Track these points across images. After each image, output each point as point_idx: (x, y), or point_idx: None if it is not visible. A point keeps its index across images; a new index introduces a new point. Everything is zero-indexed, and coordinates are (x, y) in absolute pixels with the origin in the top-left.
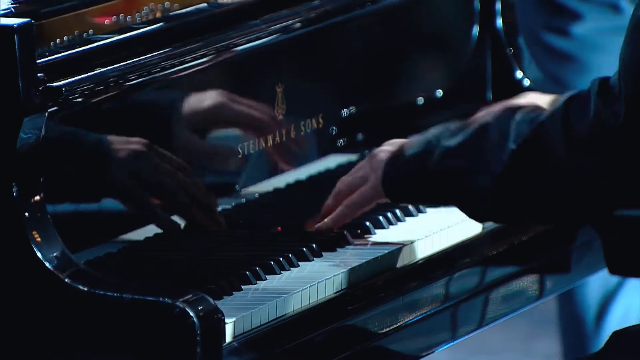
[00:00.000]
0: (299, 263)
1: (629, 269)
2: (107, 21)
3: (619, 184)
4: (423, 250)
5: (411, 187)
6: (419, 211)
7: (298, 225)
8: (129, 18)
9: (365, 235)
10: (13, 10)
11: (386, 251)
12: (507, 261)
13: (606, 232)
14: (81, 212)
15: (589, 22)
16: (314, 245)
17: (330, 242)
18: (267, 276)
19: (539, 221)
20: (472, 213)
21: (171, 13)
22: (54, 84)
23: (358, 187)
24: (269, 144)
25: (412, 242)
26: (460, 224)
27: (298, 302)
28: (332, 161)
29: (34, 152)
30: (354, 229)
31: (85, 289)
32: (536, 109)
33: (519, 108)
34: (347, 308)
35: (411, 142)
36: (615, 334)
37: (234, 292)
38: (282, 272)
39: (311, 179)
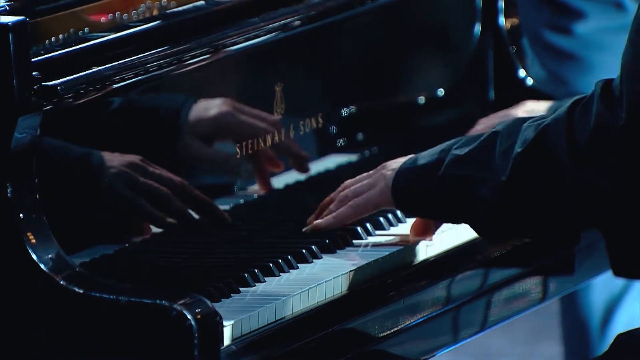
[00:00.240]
0: (298, 265)
1: (633, 271)
2: (103, 19)
3: (620, 188)
4: (424, 252)
5: (420, 197)
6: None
7: (297, 226)
8: (125, 16)
9: (366, 237)
10: (7, 7)
11: (387, 253)
12: (509, 263)
13: (610, 233)
14: (77, 213)
15: (592, 20)
16: (313, 247)
17: (330, 244)
18: (265, 278)
19: (543, 233)
20: (478, 226)
21: (168, 11)
22: (49, 83)
23: (361, 189)
24: (267, 144)
25: (413, 244)
26: (461, 226)
27: (297, 305)
28: (331, 161)
29: (28, 152)
30: (354, 230)
31: (81, 291)
32: (544, 115)
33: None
34: (347, 311)
35: (424, 153)
36: (620, 336)
37: (232, 295)
38: (281, 274)
39: (310, 179)
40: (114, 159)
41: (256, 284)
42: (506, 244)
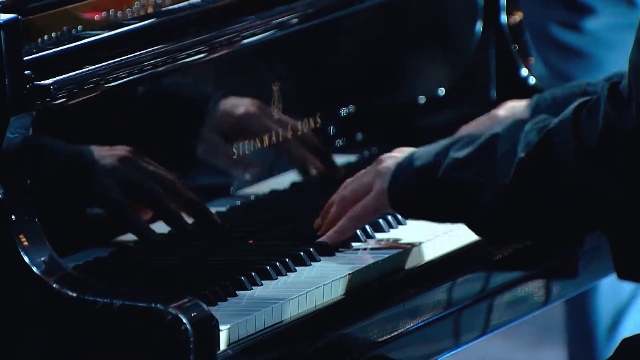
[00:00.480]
0: (296, 268)
1: (638, 275)
2: (96, 17)
3: (628, 190)
4: (425, 254)
5: (417, 199)
6: None
7: (295, 228)
8: (119, 13)
9: (365, 240)
10: None
11: (386, 255)
12: (511, 266)
13: (615, 236)
14: (70, 214)
15: (602, 17)
16: (311, 249)
17: (329, 246)
18: (263, 281)
19: (546, 236)
20: (479, 229)
21: (163, 8)
22: (42, 82)
23: (362, 195)
24: (264, 144)
25: (413, 246)
26: (463, 228)
27: (295, 309)
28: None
29: (20, 152)
30: (353, 232)
31: (74, 294)
32: (546, 117)
33: (530, 118)
34: (346, 315)
35: (419, 153)
36: (625, 341)
37: (228, 298)
38: (278, 277)
39: (309, 180)
40: (108, 160)
41: (253, 287)
42: (508, 246)
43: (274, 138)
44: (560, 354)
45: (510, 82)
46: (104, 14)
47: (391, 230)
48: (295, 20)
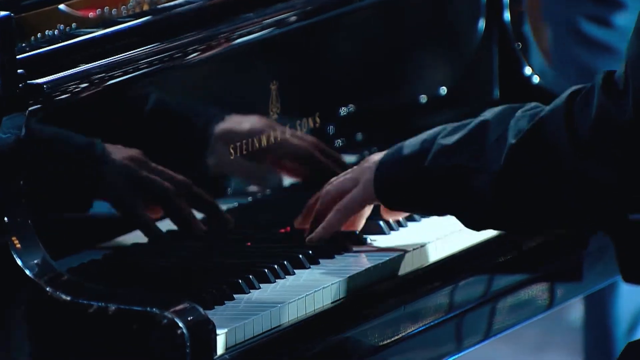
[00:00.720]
0: (295, 271)
1: None
2: (91, 14)
3: (623, 182)
4: (426, 257)
5: (404, 189)
6: (422, 216)
7: (293, 230)
8: (114, 11)
9: (365, 242)
10: None
11: (387, 258)
12: (515, 268)
13: (620, 237)
14: (64, 216)
15: (632, 11)
16: (310, 252)
17: (328, 248)
18: (260, 285)
19: (537, 227)
20: (467, 219)
21: (159, 6)
22: (35, 81)
23: (348, 189)
24: (262, 145)
25: (414, 249)
26: (464, 230)
27: (294, 312)
28: None
29: (13, 153)
30: (353, 235)
31: (69, 298)
32: (537, 105)
33: (520, 105)
34: (346, 318)
35: (406, 143)
36: (631, 345)
37: (225, 302)
38: (276, 280)
39: (307, 181)
40: (103, 161)
41: (251, 290)
42: (511, 248)
43: (272, 138)
44: (564, 357)
45: (514, 81)
46: (98, 11)
47: (392, 232)
48: (293, 18)
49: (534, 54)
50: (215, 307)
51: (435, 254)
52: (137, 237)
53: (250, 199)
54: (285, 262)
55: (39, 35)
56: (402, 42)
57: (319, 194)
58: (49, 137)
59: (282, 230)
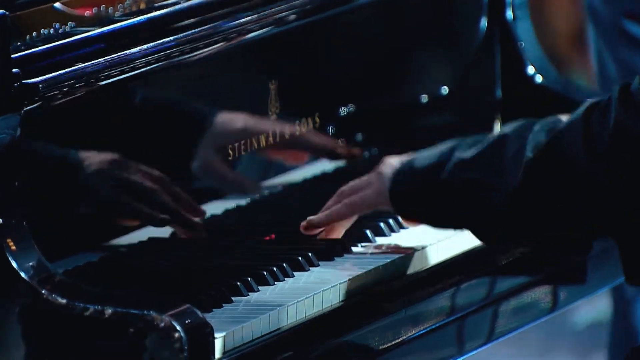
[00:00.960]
0: (294, 273)
1: None
2: (87, 13)
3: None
4: (427, 259)
5: (420, 200)
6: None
7: (292, 232)
8: (110, 9)
9: (365, 243)
10: None
11: (387, 260)
12: (518, 271)
13: (625, 240)
14: (60, 217)
15: None
16: (310, 254)
17: (328, 250)
18: (259, 287)
19: (553, 238)
20: (482, 232)
21: (156, 4)
22: (30, 81)
23: (361, 190)
24: (261, 145)
25: (415, 251)
26: (466, 232)
27: (293, 315)
28: (329, 163)
29: (8, 153)
30: (353, 236)
31: (64, 300)
32: (556, 118)
33: (539, 119)
34: (346, 321)
35: (423, 154)
36: (634, 350)
37: (224, 305)
38: (275, 282)
39: (306, 182)
40: (99, 161)
41: (249, 293)
42: (514, 250)
43: (270, 139)
44: None
45: (516, 80)
46: (95, 10)
47: (392, 234)
48: (293, 16)
49: (536, 53)
50: (214, 309)
51: (436, 256)
52: (132, 239)
53: (249, 200)
54: (285, 265)
55: (34, 34)
56: (403, 41)
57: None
58: (45, 137)
59: (267, 238)
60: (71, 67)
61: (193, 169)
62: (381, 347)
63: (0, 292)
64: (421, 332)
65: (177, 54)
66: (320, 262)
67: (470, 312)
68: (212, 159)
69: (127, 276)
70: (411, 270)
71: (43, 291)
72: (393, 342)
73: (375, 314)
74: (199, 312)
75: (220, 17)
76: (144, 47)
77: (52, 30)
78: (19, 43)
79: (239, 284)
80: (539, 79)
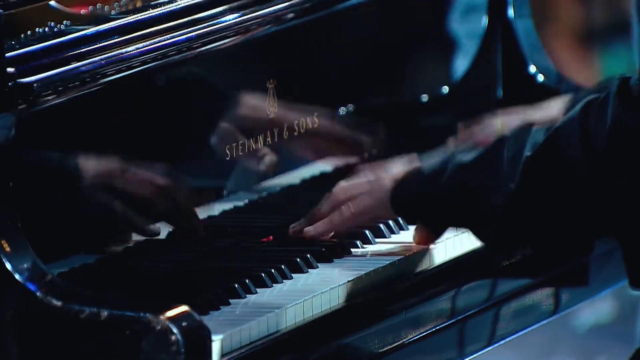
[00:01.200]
0: (293, 275)
1: None
2: (83, 11)
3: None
4: (428, 260)
5: (421, 203)
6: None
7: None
8: (106, 8)
9: (365, 245)
10: None
11: (387, 262)
12: (519, 273)
13: (628, 242)
14: (55, 219)
15: None
16: (308, 255)
17: (327, 252)
18: (257, 289)
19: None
20: (483, 233)
21: (152, 2)
22: (25, 80)
23: (357, 195)
24: (259, 145)
25: (415, 252)
26: (467, 233)
27: (291, 318)
28: (328, 164)
29: (3, 153)
30: (353, 238)
31: (59, 303)
32: (554, 118)
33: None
34: (345, 324)
35: (424, 156)
36: (637, 352)
37: (221, 307)
38: (274, 284)
39: (305, 182)
40: (95, 161)
41: (247, 295)
42: (515, 252)
43: (269, 139)
44: None
45: (518, 79)
46: (90, 8)
47: (392, 235)
48: (292, 15)
49: (538, 51)
50: (211, 312)
51: (437, 257)
52: (129, 240)
53: (246, 201)
54: (283, 266)
55: (29, 32)
56: (403, 40)
57: (326, 197)
58: (40, 137)
59: (265, 240)
60: (66, 66)
61: (191, 170)
62: (381, 350)
63: None
64: (421, 334)
65: (173, 53)
66: (319, 264)
67: (471, 315)
68: (211, 158)
69: (123, 278)
70: (411, 272)
71: (38, 293)
72: (393, 345)
73: (375, 316)
74: (196, 315)
75: (217, 16)
76: (140, 45)
77: (47, 29)
78: (13, 42)
79: (236, 286)
80: (540, 78)
